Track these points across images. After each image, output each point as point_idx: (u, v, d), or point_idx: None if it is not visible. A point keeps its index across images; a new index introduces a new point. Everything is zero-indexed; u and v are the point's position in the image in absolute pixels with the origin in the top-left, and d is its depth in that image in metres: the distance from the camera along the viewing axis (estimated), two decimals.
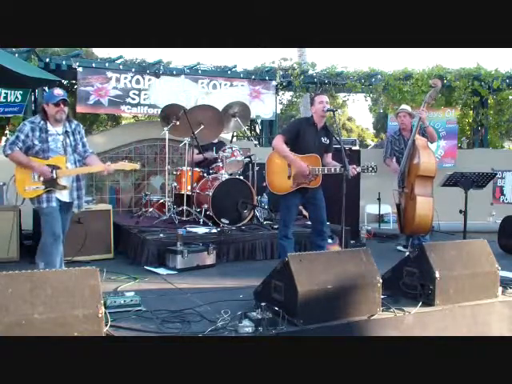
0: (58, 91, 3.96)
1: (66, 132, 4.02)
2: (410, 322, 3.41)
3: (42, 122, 3.94)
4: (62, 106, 3.91)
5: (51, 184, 3.89)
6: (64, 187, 3.95)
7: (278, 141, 4.67)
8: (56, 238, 3.93)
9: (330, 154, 4.85)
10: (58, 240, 3.94)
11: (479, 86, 8.91)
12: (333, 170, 4.55)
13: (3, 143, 7.94)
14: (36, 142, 3.88)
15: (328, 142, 4.80)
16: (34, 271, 2.61)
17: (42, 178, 3.88)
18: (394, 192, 5.78)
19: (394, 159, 5.99)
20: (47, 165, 3.88)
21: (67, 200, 4.03)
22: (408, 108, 6.02)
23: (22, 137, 3.86)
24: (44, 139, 3.91)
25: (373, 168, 4.60)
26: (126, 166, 4.23)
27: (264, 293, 3.46)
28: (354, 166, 4.54)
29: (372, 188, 7.86)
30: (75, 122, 4.14)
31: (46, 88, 8.34)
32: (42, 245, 4.01)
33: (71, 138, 4.04)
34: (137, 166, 4.24)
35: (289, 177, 4.66)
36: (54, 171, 3.88)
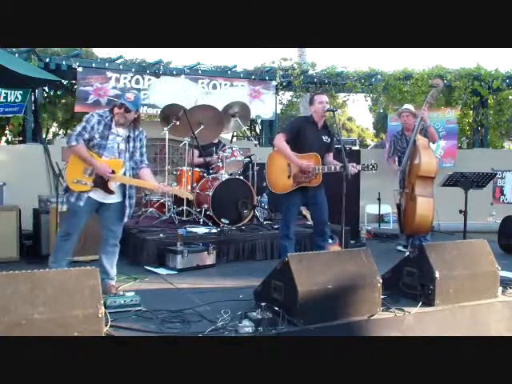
0: (129, 96, 3.84)
1: (128, 137, 3.90)
2: (410, 322, 3.41)
3: (108, 118, 3.82)
4: (122, 109, 3.78)
5: (101, 185, 3.79)
6: (111, 191, 3.83)
7: (280, 140, 4.68)
8: (66, 236, 3.87)
9: (331, 154, 4.85)
10: (68, 239, 3.87)
11: (479, 85, 8.91)
12: (332, 168, 4.55)
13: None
14: (96, 136, 3.77)
15: (329, 140, 4.81)
16: (34, 271, 2.60)
17: (93, 176, 3.78)
18: (394, 192, 5.77)
19: (397, 159, 5.99)
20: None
21: (105, 201, 3.88)
22: (411, 108, 6.01)
23: (89, 127, 3.75)
24: (105, 136, 3.80)
25: (373, 166, 4.58)
26: (179, 193, 4.22)
27: (264, 293, 3.46)
28: (354, 164, 4.54)
29: (372, 188, 7.85)
30: (140, 129, 4.00)
31: (46, 88, 8.38)
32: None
33: (131, 143, 3.91)
34: (190, 196, 4.19)
35: (289, 176, 4.67)
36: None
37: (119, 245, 4.00)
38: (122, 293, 3.60)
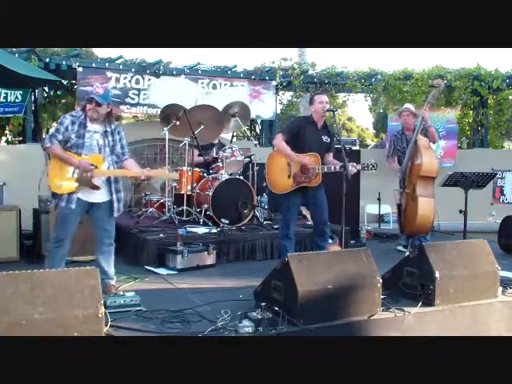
0: (98, 90, 3.93)
1: (106, 132, 3.90)
2: (410, 322, 3.41)
3: (82, 117, 3.83)
4: (93, 104, 3.80)
5: (85, 182, 3.77)
6: (97, 187, 3.82)
7: (279, 140, 4.68)
8: (59, 242, 3.84)
9: (331, 153, 4.85)
10: (61, 245, 3.85)
11: (479, 85, 8.91)
12: (332, 168, 4.55)
13: (2, 139, 7.94)
14: (72, 136, 3.77)
15: (329, 140, 4.81)
16: (34, 271, 2.60)
17: (76, 175, 3.76)
18: (394, 192, 5.78)
19: (396, 158, 5.99)
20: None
21: (95, 201, 3.87)
22: (411, 107, 6.01)
23: (62, 129, 3.75)
24: (81, 135, 3.79)
25: (373, 166, 4.59)
26: (164, 175, 4.08)
27: (264, 293, 3.46)
28: (354, 163, 4.54)
29: (372, 188, 7.85)
30: (116, 123, 4.03)
31: (46, 88, 8.38)
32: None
33: (110, 138, 3.91)
34: (176, 175, 4.13)
35: (289, 176, 4.67)
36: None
37: (114, 243, 4.00)
38: (122, 293, 3.60)
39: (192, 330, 3.04)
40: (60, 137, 3.75)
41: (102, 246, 3.93)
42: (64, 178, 3.77)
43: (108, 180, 3.89)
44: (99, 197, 3.87)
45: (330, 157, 4.83)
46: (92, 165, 3.76)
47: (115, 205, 3.90)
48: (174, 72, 8.09)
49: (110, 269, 3.97)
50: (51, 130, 3.83)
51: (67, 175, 3.77)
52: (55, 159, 3.80)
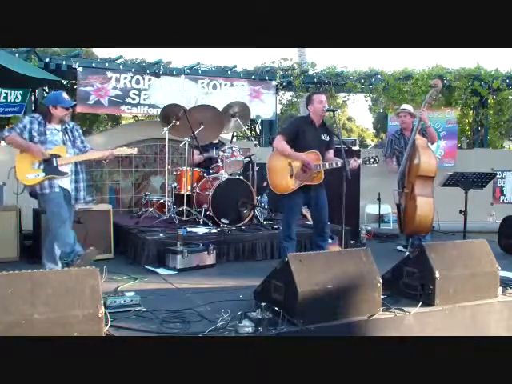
0: (67, 95, 4.19)
1: (66, 129, 4.24)
2: (410, 322, 3.41)
3: (40, 118, 4.13)
4: (70, 108, 4.20)
5: (52, 171, 4.05)
6: (65, 173, 4.12)
7: (279, 141, 4.68)
8: (63, 221, 4.04)
9: (331, 151, 4.85)
10: (66, 223, 4.06)
11: (479, 86, 8.90)
12: (334, 164, 4.55)
13: None
14: (34, 134, 4.08)
15: (328, 138, 4.81)
16: (34, 271, 2.60)
17: (42, 166, 4.03)
18: (393, 192, 5.77)
19: (394, 159, 5.99)
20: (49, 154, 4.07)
21: (64, 186, 4.18)
22: (409, 108, 6.01)
23: (21, 125, 4.09)
24: (42, 132, 4.10)
25: (374, 159, 4.59)
26: (124, 151, 4.42)
27: (264, 293, 3.46)
28: (355, 157, 4.53)
29: (372, 188, 7.86)
30: (71, 121, 4.38)
31: (46, 88, 8.37)
32: (49, 239, 4.17)
33: (69, 134, 4.26)
34: (134, 150, 4.47)
35: (291, 176, 4.66)
36: (55, 159, 4.06)
37: None
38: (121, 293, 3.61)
39: (192, 330, 3.04)
40: (18, 130, 4.06)
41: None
42: (31, 170, 4.04)
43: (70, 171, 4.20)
44: (66, 184, 4.18)
45: (330, 154, 4.83)
46: (55, 155, 4.07)
47: (73, 193, 4.21)
48: (174, 72, 8.08)
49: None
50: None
51: (33, 167, 4.04)
52: (19, 154, 4.10)
